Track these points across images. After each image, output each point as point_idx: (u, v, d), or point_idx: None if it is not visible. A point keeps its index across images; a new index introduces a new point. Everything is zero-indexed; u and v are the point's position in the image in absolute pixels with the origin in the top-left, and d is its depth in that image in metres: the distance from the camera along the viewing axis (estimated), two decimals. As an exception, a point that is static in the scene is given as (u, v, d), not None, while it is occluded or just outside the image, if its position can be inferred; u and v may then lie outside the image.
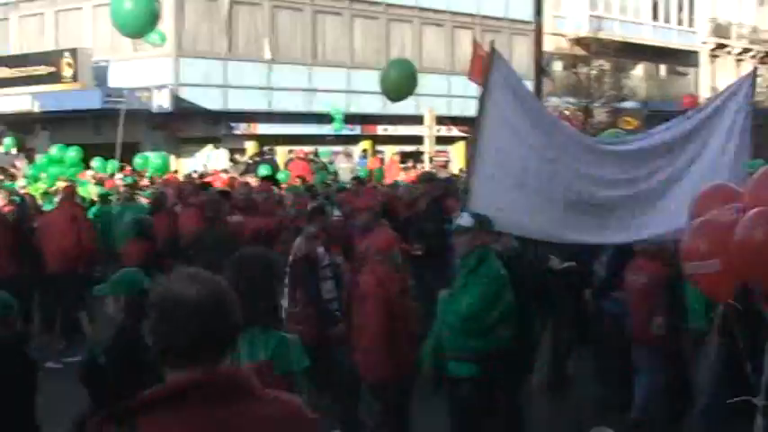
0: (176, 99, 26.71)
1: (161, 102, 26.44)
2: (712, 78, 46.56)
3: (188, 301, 2.28)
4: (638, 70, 42.04)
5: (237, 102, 28.13)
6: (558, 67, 37.19)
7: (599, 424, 4.11)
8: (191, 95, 27.12)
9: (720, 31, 46.49)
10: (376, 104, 27.27)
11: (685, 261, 5.19)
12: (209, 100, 27.48)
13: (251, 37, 29.12)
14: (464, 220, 6.19)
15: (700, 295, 6.63)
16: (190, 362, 2.26)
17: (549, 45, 35.63)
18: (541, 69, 31.41)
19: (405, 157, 28.83)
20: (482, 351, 6.01)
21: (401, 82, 14.04)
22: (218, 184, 15.53)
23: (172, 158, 25.75)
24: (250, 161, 24.36)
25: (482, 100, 6.59)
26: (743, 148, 6.61)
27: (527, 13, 35.83)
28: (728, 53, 47.44)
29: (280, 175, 18.69)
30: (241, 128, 28.85)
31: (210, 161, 26.31)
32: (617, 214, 6.75)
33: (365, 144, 31.10)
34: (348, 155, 25.36)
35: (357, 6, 31.80)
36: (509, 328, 6.15)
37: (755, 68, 7.79)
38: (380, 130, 32.02)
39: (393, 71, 14.22)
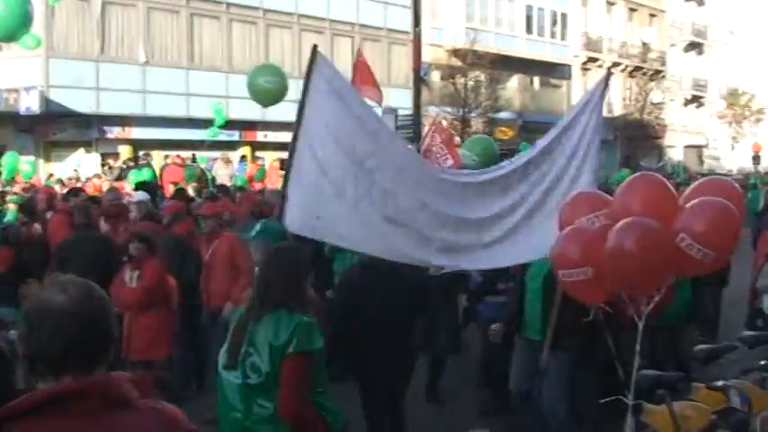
0: (46, 101, 25.74)
1: (29, 104, 25.42)
2: (584, 90, 48.16)
3: (57, 310, 2.19)
4: (513, 82, 43.08)
5: (110, 105, 27.33)
6: (436, 77, 37.70)
7: (480, 427, 4.13)
8: (61, 97, 26.18)
9: (591, 45, 48.17)
10: (255, 110, 26.95)
11: (557, 269, 5.32)
12: (81, 102, 26.58)
13: (125, 39, 28.36)
14: (255, 228, 6.15)
15: (536, 308, 6.80)
16: (60, 371, 2.18)
17: (427, 55, 35.86)
18: (420, 79, 31.75)
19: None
20: None
21: (269, 87, 13.61)
22: (90, 190, 15.08)
23: (41, 162, 24.89)
24: (124, 166, 23.68)
25: (301, 104, 6.26)
26: (593, 154, 6.58)
27: (405, 23, 36.11)
28: (599, 66, 49.11)
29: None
30: (114, 132, 28.05)
31: (82, 166, 25.49)
32: (448, 234, 6.54)
33: (244, 150, 30.74)
34: (227, 161, 24.93)
35: (235, 11, 31.42)
36: None
37: (608, 72, 7.77)
38: (260, 136, 31.71)
39: (260, 76, 13.79)
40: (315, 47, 6.37)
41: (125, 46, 28.34)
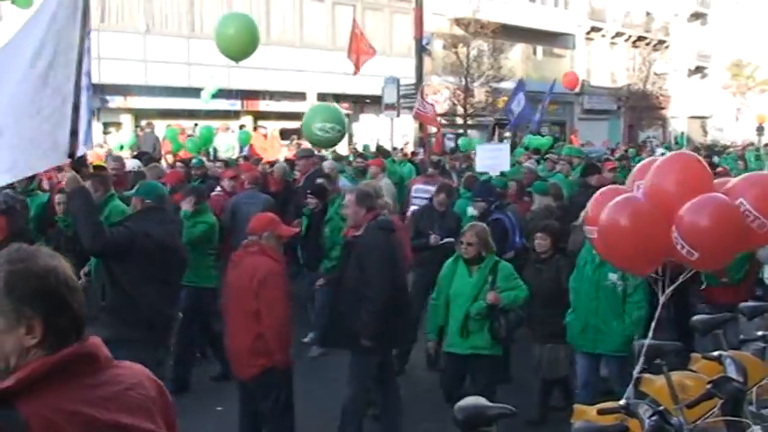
0: (47, 70, 25.60)
1: (30, 73, 25.26)
2: (587, 60, 47.93)
3: (72, 280, 2.26)
4: (516, 51, 42.82)
5: (112, 74, 27.19)
6: (438, 46, 37.47)
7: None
8: (62, 67, 26.02)
9: (595, 14, 47.84)
10: (258, 79, 26.92)
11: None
12: (82, 72, 26.43)
13: (125, 7, 28.18)
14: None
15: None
16: (68, 338, 2.21)
17: (429, 25, 35.75)
18: (422, 48, 31.55)
19: (288, 133, 28.55)
20: None
21: (240, 39, 12.90)
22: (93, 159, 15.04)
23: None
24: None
25: None
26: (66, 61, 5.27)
27: (408, -9, 35.97)
28: (603, 36, 48.90)
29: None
30: (116, 101, 27.98)
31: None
32: None
33: (244, 119, 30.63)
34: (226, 129, 24.84)
35: (236, -21, 31.16)
36: None
37: None
38: (263, 105, 31.60)
39: (230, 28, 12.98)
40: None
41: (125, 14, 28.15)
